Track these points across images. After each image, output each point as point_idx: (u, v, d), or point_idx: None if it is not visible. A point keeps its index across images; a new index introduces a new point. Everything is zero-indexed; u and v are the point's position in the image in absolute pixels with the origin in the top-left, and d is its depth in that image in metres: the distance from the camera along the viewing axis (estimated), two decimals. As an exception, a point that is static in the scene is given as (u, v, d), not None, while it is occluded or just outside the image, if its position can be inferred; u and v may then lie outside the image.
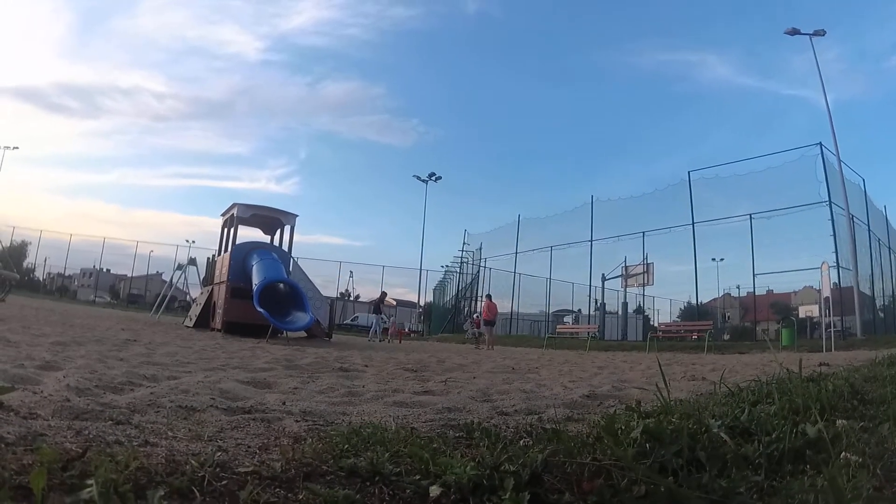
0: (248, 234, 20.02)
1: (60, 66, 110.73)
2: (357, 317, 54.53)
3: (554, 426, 2.37)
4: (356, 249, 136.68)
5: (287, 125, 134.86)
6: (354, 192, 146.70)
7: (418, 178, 50.74)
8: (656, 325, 48.64)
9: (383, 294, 29.52)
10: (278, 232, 19.48)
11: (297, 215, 18.77)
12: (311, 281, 19.28)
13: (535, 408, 2.63)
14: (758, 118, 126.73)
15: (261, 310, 13.17)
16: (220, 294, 16.39)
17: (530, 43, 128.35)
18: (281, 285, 15.12)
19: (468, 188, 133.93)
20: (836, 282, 23.53)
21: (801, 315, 47.36)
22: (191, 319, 18.32)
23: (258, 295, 13.70)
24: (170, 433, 2.08)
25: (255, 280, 14.73)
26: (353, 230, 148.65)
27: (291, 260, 18.16)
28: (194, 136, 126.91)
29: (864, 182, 31.11)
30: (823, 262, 21.77)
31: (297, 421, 2.56)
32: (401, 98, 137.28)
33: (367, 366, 6.16)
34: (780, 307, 50.26)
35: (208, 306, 17.43)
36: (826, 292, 20.74)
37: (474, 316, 25.50)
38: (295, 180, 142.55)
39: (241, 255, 16.39)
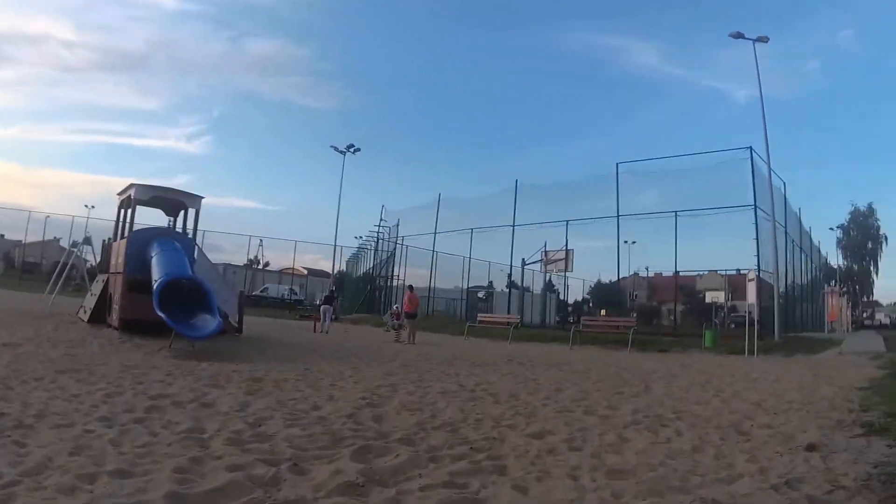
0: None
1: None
2: (267, 287, 53.25)
3: None
4: (269, 214, 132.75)
5: (205, 81, 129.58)
6: (270, 155, 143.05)
7: (336, 149, 49.08)
8: (567, 300, 49.02)
9: (333, 292, 30.36)
10: (182, 214, 17.87)
11: (202, 197, 17.17)
12: (217, 271, 17.85)
13: None
14: (682, 107, 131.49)
15: (161, 314, 11.67)
16: (117, 287, 14.76)
17: (460, 14, 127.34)
18: (185, 281, 13.55)
19: (388, 161, 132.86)
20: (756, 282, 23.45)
21: (707, 300, 48.79)
22: (85, 312, 16.53)
23: (158, 295, 12.20)
24: None
25: (155, 276, 13.18)
26: (266, 194, 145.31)
27: (196, 248, 16.57)
28: (105, 90, 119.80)
29: (785, 186, 31.93)
30: (751, 271, 21.83)
31: None
32: (327, 61, 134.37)
33: (289, 425, 5.30)
34: (687, 290, 51.61)
35: (104, 298, 15.74)
36: (752, 299, 20.72)
37: (395, 308, 24.46)
38: (207, 139, 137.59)
39: (140, 244, 14.73)
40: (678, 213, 27.23)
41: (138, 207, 16.56)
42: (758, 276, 21.86)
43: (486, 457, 5.04)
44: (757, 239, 24.50)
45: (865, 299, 78.17)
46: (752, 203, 24.85)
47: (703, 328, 27.21)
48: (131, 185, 16.16)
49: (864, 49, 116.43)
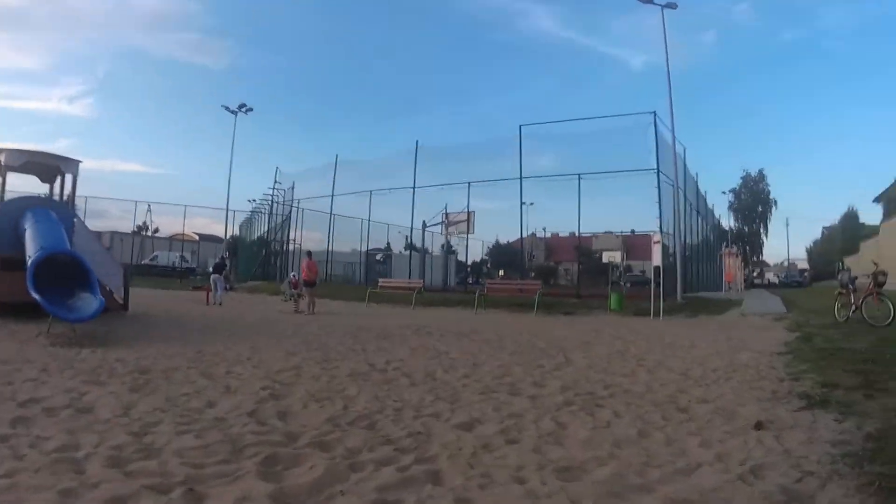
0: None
1: None
2: (156, 255, 51.11)
3: None
4: (159, 178, 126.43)
5: (89, 39, 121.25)
6: (160, 116, 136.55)
7: (227, 108, 47.06)
8: (467, 262, 48.88)
9: (224, 258, 28.89)
10: (59, 180, 16.31)
11: (80, 161, 15.68)
12: (100, 242, 16.46)
13: None
14: (580, 72, 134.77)
15: (36, 295, 10.45)
16: (-13, 265, 13.28)
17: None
18: (62, 256, 12.21)
19: (283, 122, 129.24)
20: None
21: (604, 260, 49.76)
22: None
23: (32, 274, 10.92)
24: None
25: (29, 252, 11.84)
26: (155, 157, 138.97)
27: (75, 218, 15.14)
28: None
29: (685, 151, 32.61)
30: (656, 233, 21.93)
31: None
32: (217, 17, 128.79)
33: (181, 432, 4.52)
34: (583, 250, 52.34)
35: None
36: (657, 261, 20.80)
37: (292, 276, 23.36)
38: (90, 100, 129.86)
39: (12, 216, 13.32)
40: (581, 176, 27.08)
41: (11, 175, 15.27)
42: (661, 246, 21.96)
43: (414, 459, 4.37)
44: (659, 202, 24.78)
45: (755, 259, 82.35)
46: (656, 167, 25.03)
47: (606, 289, 27.48)
48: (0, 150, 14.56)
49: (758, 22, 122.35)
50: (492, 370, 8.63)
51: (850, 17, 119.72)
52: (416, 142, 33.37)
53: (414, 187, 33.06)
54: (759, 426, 5.35)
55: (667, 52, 27.41)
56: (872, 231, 41.30)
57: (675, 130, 26.46)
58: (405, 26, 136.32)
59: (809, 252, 70.71)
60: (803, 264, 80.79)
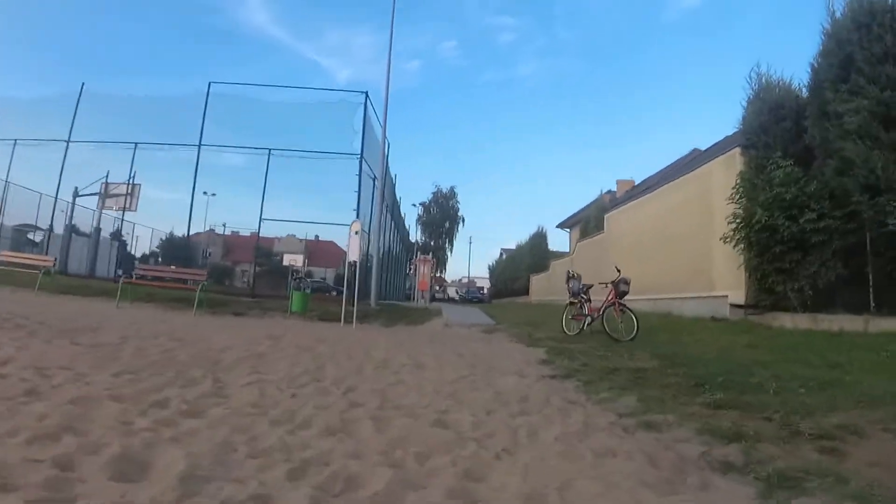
0: None
1: None
2: None
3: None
4: None
5: None
6: None
7: None
8: (135, 253, 42.13)
9: None
10: None
11: None
12: None
13: None
14: (285, 72, 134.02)
15: None
16: None
17: None
18: None
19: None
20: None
21: (285, 263, 46.17)
22: None
23: None
24: None
25: None
26: None
27: None
28: None
29: (389, 146, 29.78)
30: (355, 222, 18.58)
31: None
32: None
33: None
34: (264, 251, 48.88)
35: None
36: (353, 256, 17.46)
37: None
38: None
39: None
40: (272, 152, 23.28)
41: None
42: (360, 235, 18.69)
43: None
44: (359, 192, 22.21)
45: (438, 274, 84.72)
46: (360, 152, 22.46)
47: (286, 291, 23.70)
48: None
49: (462, 60, 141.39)
50: (51, 411, 4.00)
51: (544, 72, 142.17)
52: (82, 84, 26.81)
53: (69, 141, 26.41)
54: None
55: (391, 36, 25.30)
56: (556, 255, 42.87)
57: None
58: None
59: (491, 270, 74.44)
60: (482, 282, 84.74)
